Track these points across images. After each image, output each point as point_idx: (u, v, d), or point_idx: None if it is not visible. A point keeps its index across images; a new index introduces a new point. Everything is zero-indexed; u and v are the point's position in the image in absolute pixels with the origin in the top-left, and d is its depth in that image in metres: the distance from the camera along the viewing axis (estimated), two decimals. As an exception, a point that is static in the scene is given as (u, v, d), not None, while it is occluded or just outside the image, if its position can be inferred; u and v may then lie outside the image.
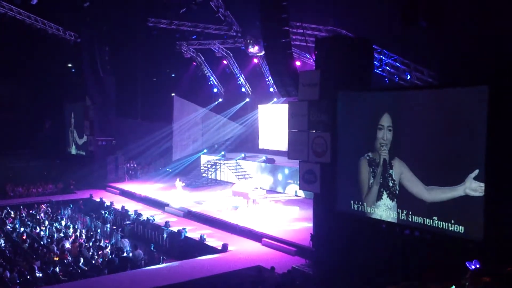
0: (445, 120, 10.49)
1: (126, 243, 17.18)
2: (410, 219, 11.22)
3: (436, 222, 10.61)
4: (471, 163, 9.93)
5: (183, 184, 24.71)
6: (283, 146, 26.77)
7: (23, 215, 22.63)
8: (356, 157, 12.53)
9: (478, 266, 7.80)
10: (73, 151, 34.22)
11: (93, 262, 15.35)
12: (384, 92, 12.87)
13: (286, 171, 24.61)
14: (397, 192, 11.48)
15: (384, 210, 11.77)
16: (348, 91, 12.98)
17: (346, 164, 12.91)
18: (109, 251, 16.31)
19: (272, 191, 24.42)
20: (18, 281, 13.35)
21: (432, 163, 10.74)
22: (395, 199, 11.53)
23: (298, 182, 15.07)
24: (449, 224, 10.36)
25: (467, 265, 8.08)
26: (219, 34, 26.46)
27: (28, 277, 13.71)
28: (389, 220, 11.66)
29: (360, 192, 12.41)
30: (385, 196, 11.75)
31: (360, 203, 12.47)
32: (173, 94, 33.31)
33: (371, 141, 12.03)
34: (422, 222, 10.95)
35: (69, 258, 15.59)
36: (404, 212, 11.32)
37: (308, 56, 22.56)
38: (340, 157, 13.06)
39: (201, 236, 17.18)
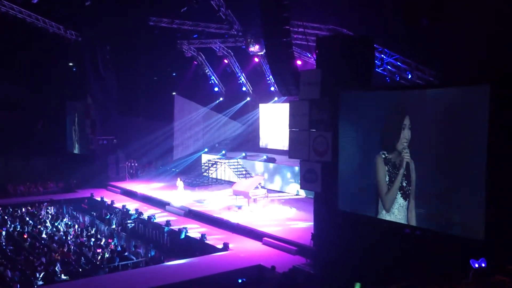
0: (448, 119, 10.44)
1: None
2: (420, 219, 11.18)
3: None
4: (472, 163, 9.91)
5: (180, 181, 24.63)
6: (284, 145, 26.79)
7: (24, 213, 22.65)
8: (363, 155, 12.43)
9: (483, 265, 7.74)
10: (76, 150, 34.20)
11: (94, 261, 15.36)
12: (391, 92, 12.76)
13: (287, 170, 24.59)
14: (409, 192, 11.35)
15: (397, 208, 11.65)
16: (350, 91, 12.93)
17: (349, 163, 12.85)
18: (110, 250, 16.33)
19: (273, 190, 24.39)
20: (19, 280, 13.35)
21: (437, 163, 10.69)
22: (407, 199, 11.40)
23: (299, 181, 15.06)
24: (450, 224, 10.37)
25: (471, 263, 8.01)
26: (220, 33, 26.48)
27: (29, 276, 13.72)
28: (401, 216, 11.55)
29: (375, 191, 12.18)
30: (399, 195, 11.63)
31: (364, 202, 12.43)
32: (174, 93, 33.31)
33: (387, 139, 11.81)
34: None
35: (71, 257, 15.60)
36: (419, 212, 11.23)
37: (309, 55, 22.55)
38: (342, 156, 13.01)
39: (201, 235, 17.18)
